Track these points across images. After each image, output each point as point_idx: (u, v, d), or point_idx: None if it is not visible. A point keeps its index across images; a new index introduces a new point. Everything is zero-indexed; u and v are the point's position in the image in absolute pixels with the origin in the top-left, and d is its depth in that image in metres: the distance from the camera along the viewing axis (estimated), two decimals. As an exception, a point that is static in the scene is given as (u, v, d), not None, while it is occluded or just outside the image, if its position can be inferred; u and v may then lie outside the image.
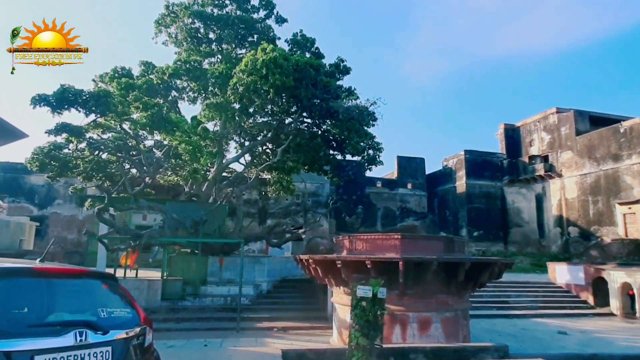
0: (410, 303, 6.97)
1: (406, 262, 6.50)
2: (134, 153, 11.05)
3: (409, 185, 30.41)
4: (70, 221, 19.04)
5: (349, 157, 13.54)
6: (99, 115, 9.53)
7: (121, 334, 3.34)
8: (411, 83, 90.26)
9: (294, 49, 12.78)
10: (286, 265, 12.98)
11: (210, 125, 12.10)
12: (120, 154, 10.78)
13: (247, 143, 12.91)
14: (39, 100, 8.46)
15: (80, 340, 2.98)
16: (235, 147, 13.42)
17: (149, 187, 11.57)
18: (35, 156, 10.72)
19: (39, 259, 3.50)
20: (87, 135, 10.32)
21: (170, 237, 11.37)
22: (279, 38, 13.97)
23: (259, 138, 12.74)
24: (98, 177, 11.66)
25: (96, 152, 10.98)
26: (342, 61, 12.89)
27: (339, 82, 12.55)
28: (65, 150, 11.04)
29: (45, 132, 9.14)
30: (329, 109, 10.99)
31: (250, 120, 12.21)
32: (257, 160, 13.35)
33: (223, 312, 11.07)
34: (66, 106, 8.63)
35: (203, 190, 12.47)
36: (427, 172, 32.14)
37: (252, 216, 13.66)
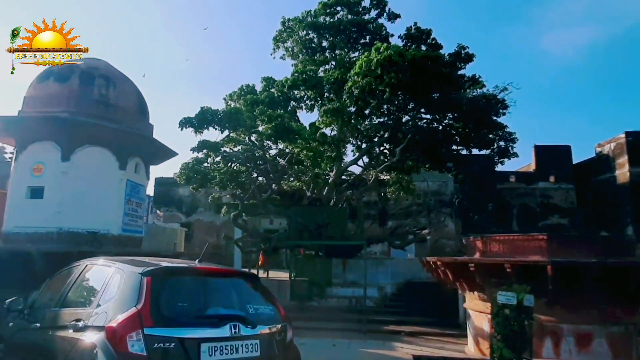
0: (564, 314, 6.17)
1: (556, 266, 5.75)
2: (261, 162, 12.21)
3: (552, 178, 26.40)
4: (210, 226, 21.87)
5: (475, 151, 12.65)
6: (231, 131, 10.81)
7: (266, 329, 3.71)
8: (551, 59, 79.72)
9: (409, 44, 12.57)
10: (410, 267, 12.74)
11: (327, 131, 12.70)
12: (249, 164, 12.05)
13: (364, 145, 13.13)
14: (185, 122, 10.03)
15: (235, 332, 3.40)
16: (353, 150, 13.80)
17: (275, 194, 12.66)
18: (182, 171, 12.65)
19: (197, 260, 4.12)
20: (222, 150, 11.78)
21: (295, 241, 12.20)
22: (392, 35, 13.94)
23: (375, 139, 12.81)
24: (231, 186, 13.14)
25: (229, 164, 12.43)
26: (463, 48, 12.17)
27: (460, 72, 11.86)
28: (205, 164, 12.76)
29: (191, 150, 10.80)
30: (451, 101, 10.47)
31: (367, 122, 12.41)
32: (375, 162, 13.43)
33: (349, 314, 11.39)
34: (205, 125, 10.05)
35: (324, 194, 13.08)
36: (574, 161, 27.46)
37: (372, 218, 13.79)
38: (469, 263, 6.91)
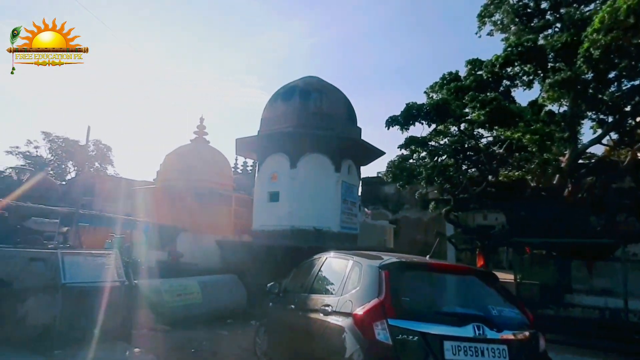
0: None
1: None
2: (472, 153, 11.40)
3: None
4: (417, 223, 21.95)
5: None
6: (438, 123, 10.50)
7: (514, 335, 3.32)
8: None
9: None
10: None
11: (554, 108, 10.85)
12: (458, 157, 11.41)
13: (609, 119, 10.58)
14: (391, 121, 10.31)
15: (479, 334, 3.16)
16: (592, 127, 11.30)
17: (490, 186, 11.57)
18: (388, 169, 13.03)
19: (428, 256, 4.06)
20: (429, 144, 11.56)
21: (519, 237, 10.84)
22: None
23: (628, 108, 10.12)
24: (438, 181, 12.71)
25: (435, 158, 12.08)
26: None
27: None
28: (410, 161, 12.74)
29: (398, 147, 11.06)
30: None
31: (612, 89, 9.94)
32: (629, 138, 10.62)
33: (600, 329, 9.31)
34: (411, 122, 10.05)
35: (554, 183, 11.18)
36: None
37: (627, 210, 10.92)
38: None
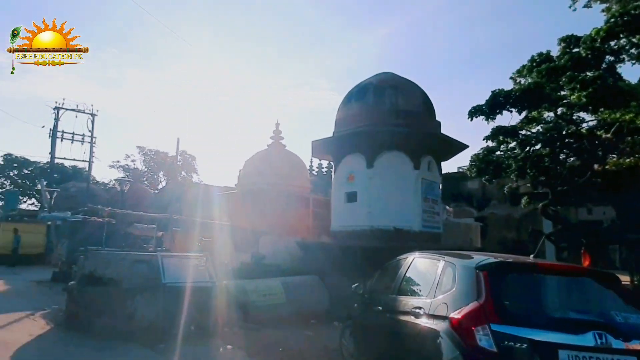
0: None
1: None
2: (571, 140, 10.30)
3: None
4: (507, 220, 20.46)
5: None
6: (530, 110, 9.67)
7: (645, 346, 2.89)
8: None
9: None
10: None
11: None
12: (554, 145, 10.39)
13: None
14: (475, 112, 9.71)
15: (601, 343, 2.81)
16: None
17: (595, 176, 10.34)
18: (472, 163, 12.32)
19: (532, 255, 3.73)
20: (519, 134, 10.71)
21: (634, 234, 9.54)
22: None
23: None
24: (531, 173, 11.72)
25: (527, 149, 11.15)
26: None
27: None
28: (498, 153, 11.91)
29: (484, 139, 10.39)
30: None
31: None
32: None
33: None
34: (497, 110, 9.38)
35: (677, 170, 9.65)
36: None
37: None
38: None
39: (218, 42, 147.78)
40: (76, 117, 31.38)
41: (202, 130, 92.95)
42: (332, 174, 12.63)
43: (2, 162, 48.88)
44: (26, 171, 49.00)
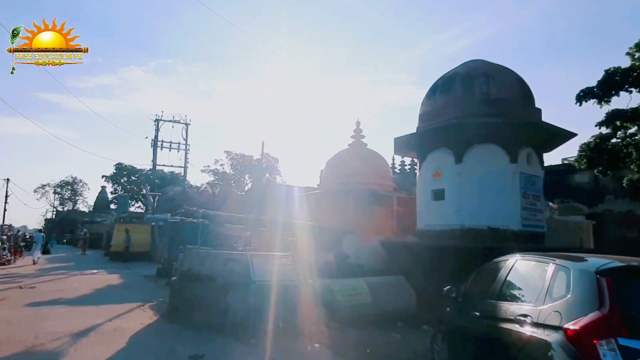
0: None
1: None
2: None
3: None
4: (626, 217, 17.97)
5: None
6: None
7: None
8: None
9: None
10: None
11: None
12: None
13: None
14: (585, 95, 8.67)
15: None
16: None
17: None
18: (581, 153, 11.05)
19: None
20: None
21: None
22: None
23: None
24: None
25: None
26: None
27: None
28: (613, 140, 10.56)
29: (596, 125, 9.24)
30: None
31: None
32: None
33: None
34: (613, 92, 8.27)
35: None
36: None
37: None
38: None
39: (296, 48, 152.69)
40: (172, 127, 34.86)
41: (285, 133, 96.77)
42: (417, 171, 12.22)
43: (115, 171, 56.00)
44: (133, 178, 55.53)
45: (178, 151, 35.33)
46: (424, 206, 11.40)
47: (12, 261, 21.67)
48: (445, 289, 5.44)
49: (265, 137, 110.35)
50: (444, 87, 11.28)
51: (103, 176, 56.97)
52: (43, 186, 65.79)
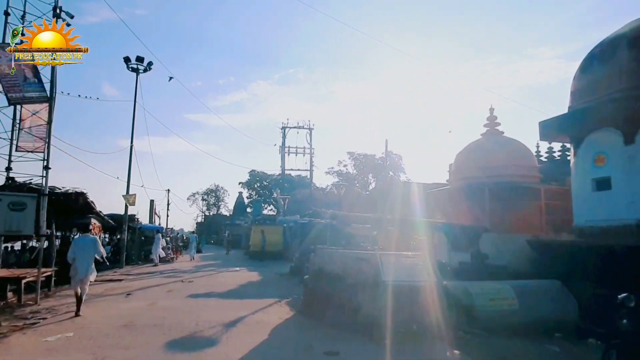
0: None
1: None
2: None
3: None
4: None
5: None
6: None
7: None
8: None
9: None
10: None
11: None
12: None
13: None
14: None
15: None
16: None
17: None
18: None
19: None
20: None
21: None
22: None
23: None
24: None
25: None
26: None
27: None
28: None
29: None
30: None
31: None
32: None
33: None
34: None
35: None
36: None
37: None
38: None
39: (416, 42, 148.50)
40: (297, 133, 37.22)
41: (409, 129, 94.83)
42: (572, 157, 10.62)
43: (249, 177, 62.00)
44: (265, 183, 60.60)
45: (304, 155, 37.55)
46: (583, 198, 9.84)
47: (175, 259, 25.90)
48: (619, 296, 4.63)
49: (388, 134, 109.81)
50: (604, 55, 9.58)
51: (240, 182, 63.55)
52: (193, 194, 76.44)
